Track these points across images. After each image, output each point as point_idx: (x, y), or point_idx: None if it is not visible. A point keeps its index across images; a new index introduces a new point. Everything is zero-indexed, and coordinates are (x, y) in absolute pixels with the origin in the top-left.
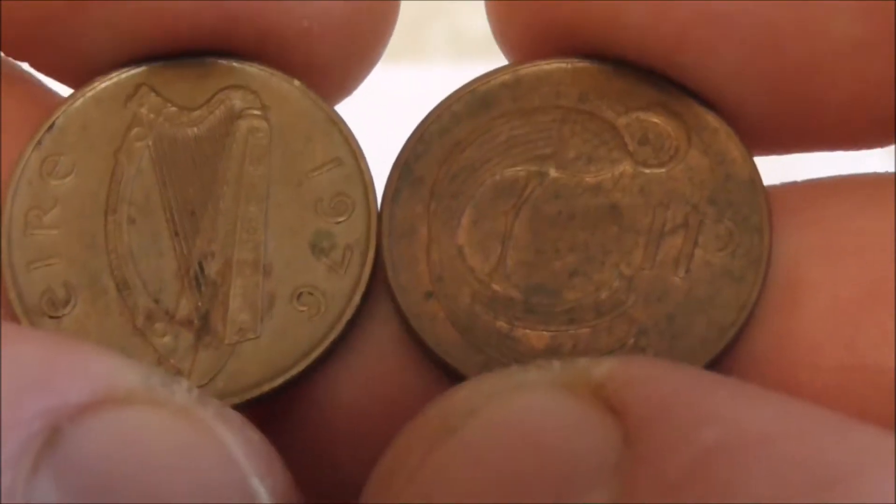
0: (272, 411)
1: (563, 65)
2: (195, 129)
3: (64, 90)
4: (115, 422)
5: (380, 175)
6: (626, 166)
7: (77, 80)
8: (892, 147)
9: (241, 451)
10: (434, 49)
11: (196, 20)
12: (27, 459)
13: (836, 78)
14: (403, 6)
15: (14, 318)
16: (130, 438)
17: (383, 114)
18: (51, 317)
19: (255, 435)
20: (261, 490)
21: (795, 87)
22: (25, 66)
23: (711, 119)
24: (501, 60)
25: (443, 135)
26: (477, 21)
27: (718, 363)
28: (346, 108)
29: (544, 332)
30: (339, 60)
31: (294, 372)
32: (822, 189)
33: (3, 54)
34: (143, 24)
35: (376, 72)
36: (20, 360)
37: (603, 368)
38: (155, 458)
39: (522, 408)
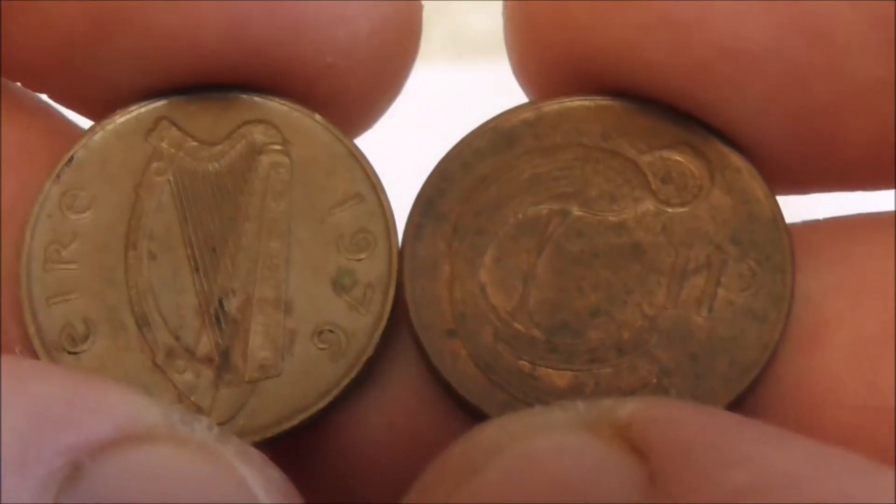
0: (293, 449)
1: (586, 102)
2: (216, 164)
3: (84, 122)
4: (136, 459)
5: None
6: (649, 205)
7: (97, 112)
8: None
9: (261, 488)
10: (434, 49)
11: (219, 54)
12: (48, 496)
13: (859, 118)
14: None
15: (33, 354)
16: (151, 476)
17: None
18: (70, 352)
19: (275, 473)
20: None
21: (818, 127)
22: (44, 97)
23: (735, 158)
24: (501, 61)
25: (466, 171)
26: (477, 21)
27: (741, 403)
28: None
29: (567, 372)
30: (361, 95)
31: (314, 410)
32: (845, 228)
33: (21, 85)
34: (164, 57)
35: None
36: (41, 397)
37: (627, 409)
38: (176, 496)
39: (547, 448)
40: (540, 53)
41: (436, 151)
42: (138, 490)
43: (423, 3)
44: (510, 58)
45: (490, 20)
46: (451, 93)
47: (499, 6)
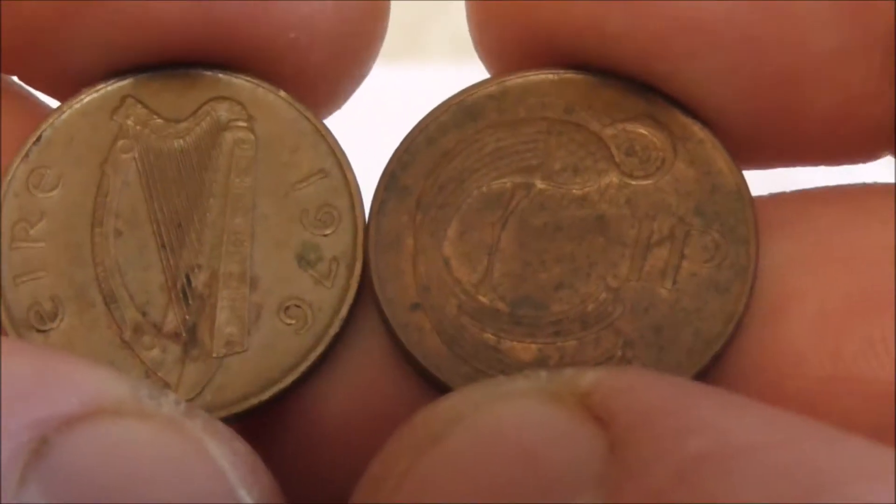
0: (260, 423)
1: (549, 76)
2: (181, 141)
3: (53, 103)
4: (103, 433)
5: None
6: (613, 177)
7: (65, 92)
8: (894, 157)
9: (228, 462)
10: (434, 49)
11: (183, 31)
12: (15, 470)
13: (816, 88)
14: (403, 6)
15: (1, 332)
16: (119, 450)
17: (383, 114)
18: (38, 330)
19: (242, 447)
20: (248, 501)
21: (777, 98)
22: (14, 79)
23: (698, 130)
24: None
25: (429, 145)
26: None
27: (705, 374)
28: (346, 110)
29: (531, 345)
30: (327, 71)
31: (281, 385)
32: (810, 200)
33: None
34: (129, 36)
35: (376, 72)
36: (9, 372)
37: (589, 378)
38: (143, 470)
39: (508, 416)
40: (499, 28)
41: None
42: (105, 463)
43: (422, 2)
44: (471, 34)
45: None
46: (451, 93)
47: (381, 36)
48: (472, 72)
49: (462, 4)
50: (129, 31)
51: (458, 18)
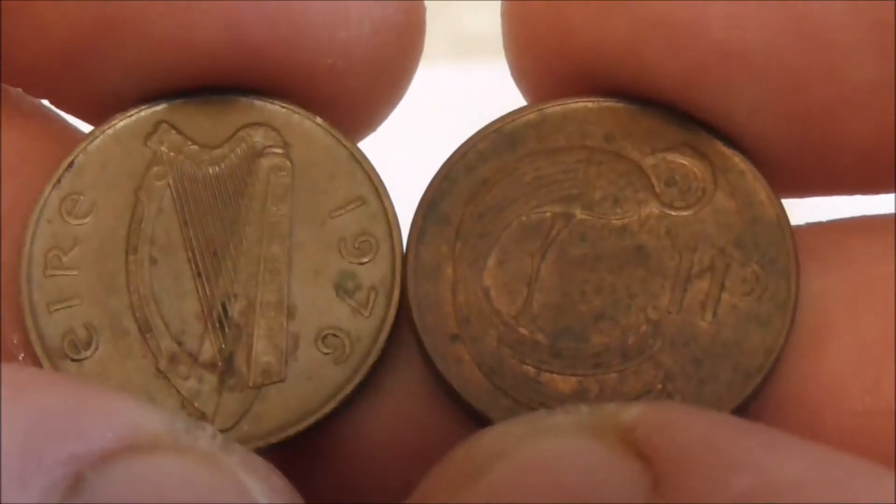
0: (297, 454)
1: (589, 104)
2: (217, 168)
3: (85, 127)
4: (138, 469)
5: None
6: (653, 208)
7: (97, 116)
8: None
9: (265, 498)
10: (435, 50)
11: (218, 57)
12: None
13: (856, 120)
14: None
15: (35, 361)
16: (154, 486)
17: None
18: (73, 359)
19: (279, 482)
20: None
21: (815, 129)
22: (45, 102)
23: (738, 160)
24: (502, 61)
25: (469, 173)
26: (478, 22)
27: (745, 408)
28: None
29: (571, 377)
30: (363, 97)
31: (319, 415)
32: (849, 230)
33: (21, 91)
34: (163, 60)
35: None
36: (42, 407)
37: (631, 413)
38: None
39: (550, 451)
40: (537, 55)
41: (436, 152)
42: (141, 500)
43: (425, 2)
44: (508, 60)
45: (490, 20)
46: (451, 93)
47: (500, 6)
48: (473, 72)
49: (463, 5)
50: (162, 56)
51: (458, 18)
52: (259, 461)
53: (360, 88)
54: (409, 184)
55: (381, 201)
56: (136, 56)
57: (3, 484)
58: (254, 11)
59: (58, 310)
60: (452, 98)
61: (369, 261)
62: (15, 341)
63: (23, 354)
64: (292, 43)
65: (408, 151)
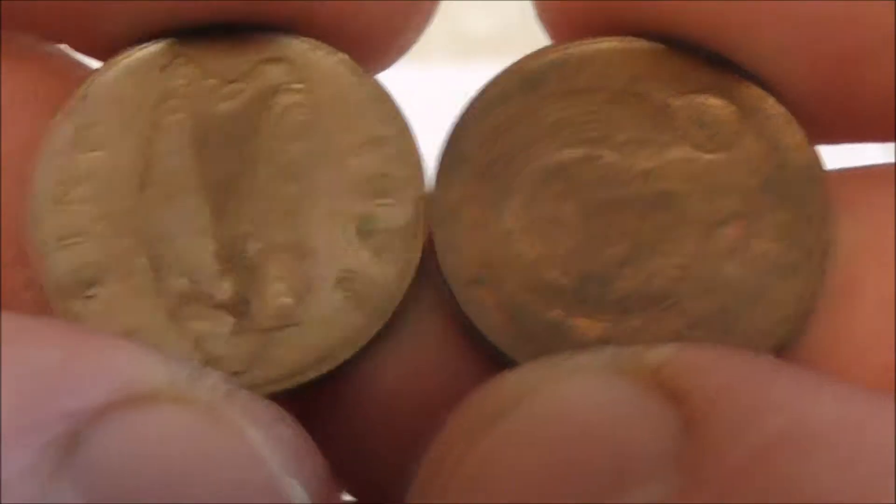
0: (313, 399)
1: (614, 44)
2: (233, 103)
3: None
4: (136, 424)
5: None
6: (680, 151)
7: (109, 54)
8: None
9: (269, 449)
10: (435, 49)
11: None
12: (46, 466)
13: (881, 67)
14: None
15: (41, 298)
16: (152, 441)
17: None
18: (80, 297)
19: (286, 431)
20: (293, 487)
21: (846, 74)
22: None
23: (769, 103)
24: (502, 61)
25: (491, 113)
26: (479, 21)
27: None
28: None
29: (597, 322)
30: (390, 29)
31: (336, 360)
32: (875, 178)
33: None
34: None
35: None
36: (37, 360)
37: (660, 354)
38: (178, 462)
39: (575, 393)
40: None
41: (436, 152)
42: (139, 456)
43: None
44: (533, 2)
45: (490, 20)
46: (451, 93)
47: (500, 6)
48: (473, 72)
49: (463, 5)
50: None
51: (459, 18)
52: (264, 409)
53: (384, 20)
54: None
55: (405, 141)
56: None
57: None
58: None
59: (66, 245)
60: (452, 98)
61: (391, 203)
62: (21, 281)
63: (30, 295)
64: None
65: None
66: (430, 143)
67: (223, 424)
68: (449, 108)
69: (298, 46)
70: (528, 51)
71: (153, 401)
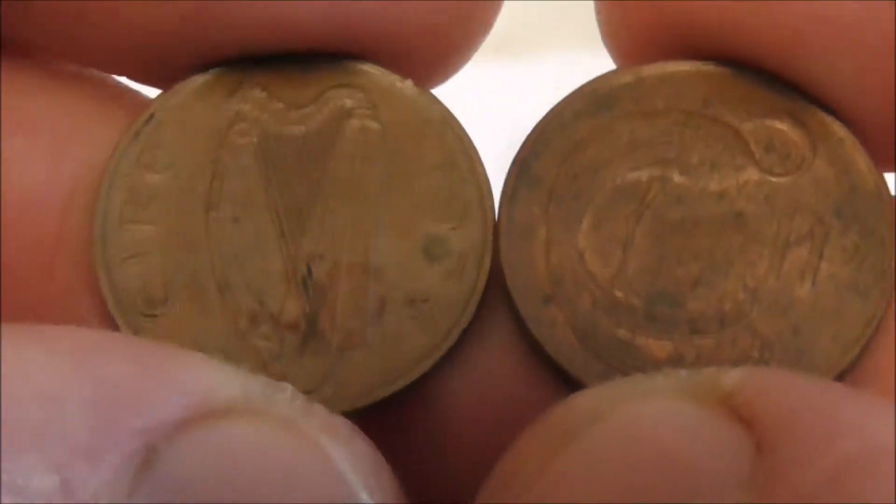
0: (383, 419)
1: (686, 67)
2: (302, 127)
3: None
4: (213, 438)
5: None
6: (751, 174)
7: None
8: None
9: (348, 464)
10: None
11: (317, 31)
12: (123, 483)
13: None
14: None
15: (107, 316)
16: (230, 456)
17: None
18: (147, 315)
19: (363, 446)
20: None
21: None
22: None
23: (837, 128)
24: (504, 61)
25: (562, 133)
26: None
27: (841, 378)
28: None
29: (667, 342)
30: (454, 49)
31: (406, 380)
32: None
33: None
34: (257, 41)
35: None
36: (111, 375)
37: (732, 377)
38: (257, 476)
39: (648, 415)
40: (629, 20)
41: None
42: (217, 471)
43: None
44: (598, 23)
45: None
46: (451, 93)
47: (501, 6)
48: (476, 73)
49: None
50: (256, 38)
51: None
52: (341, 424)
53: (455, 40)
54: None
55: (472, 164)
56: (226, 35)
57: (74, 462)
58: None
59: (133, 264)
60: (452, 98)
61: (459, 225)
62: (87, 305)
63: (97, 321)
64: (395, 9)
65: None
66: None
67: (302, 438)
68: (449, 108)
69: (367, 72)
70: (529, 51)
71: (229, 415)
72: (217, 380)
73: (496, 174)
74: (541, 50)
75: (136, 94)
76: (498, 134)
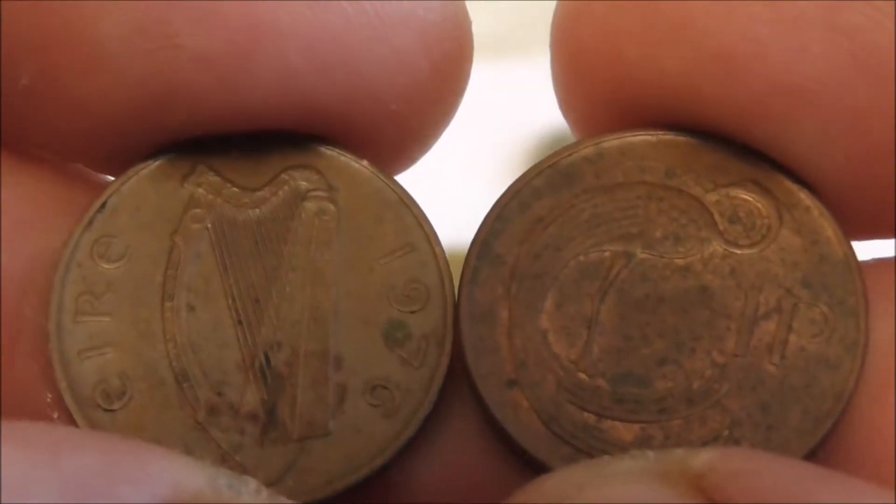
0: None
1: (648, 137)
2: (258, 211)
3: None
4: None
5: None
6: (717, 246)
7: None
8: None
9: None
10: None
11: (272, 111)
12: None
13: None
14: None
15: (65, 411)
16: None
17: None
18: (105, 409)
19: None
20: None
21: (879, 169)
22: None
23: (804, 196)
24: (503, 61)
25: (523, 211)
26: (478, 21)
27: (814, 454)
28: None
29: (634, 424)
30: (417, 134)
31: (368, 470)
32: None
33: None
34: (212, 122)
35: None
36: (79, 470)
37: (702, 459)
38: None
39: (619, 497)
40: (588, 89)
41: (436, 150)
42: None
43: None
44: (556, 92)
45: (490, 21)
46: (451, 121)
47: (501, 6)
48: (476, 73)
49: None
50: (210, 119)
51: None
52: None
53: (416, 127)
54: (404, 179)
55: (432, 247)
56: (183, 123)
57: None
58: (312, 68)
59: (89, 357)
60: None
61: (420, 309)
62: (48, 399)
63: (57, 414)
64: (353, 95)
65: None
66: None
67: None
68: None
69: (323, 152)
70: (527, 52)
71: None
72: (184, 473)
73: (496, 175)
74: (540, 50)
75: (97, 176)
76: (498, 134)
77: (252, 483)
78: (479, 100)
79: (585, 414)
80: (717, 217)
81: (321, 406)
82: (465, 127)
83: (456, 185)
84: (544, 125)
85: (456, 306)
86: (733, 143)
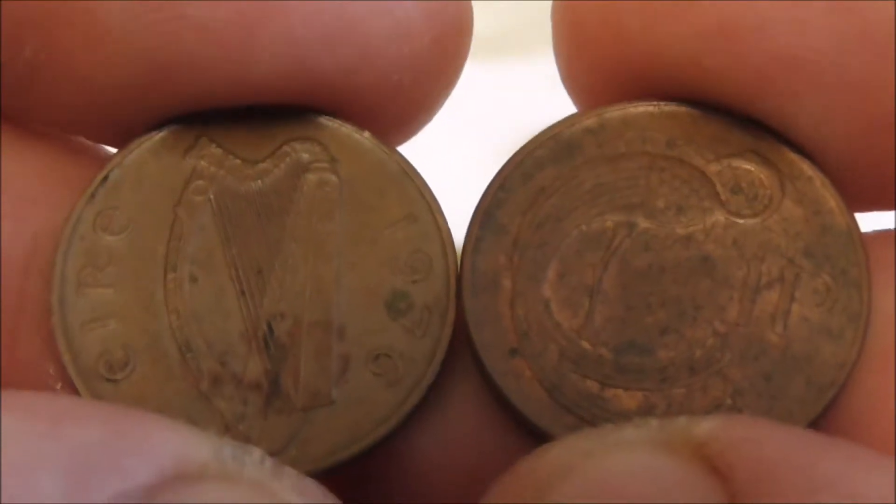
0: (350, 477)
1: (650, 108)
2: (260, 183)
3: None
4: (186, 501)
5: None
6: (719, 216)
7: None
8: None
9: None
10: None
11: (277, 85)
12: None
13: None
14: None
15: (69, 382)
16: None
17: None
18: (108, 380)
19: None
20: None
21: (881, 140)
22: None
23: (806, 167)
24: (503, 62)
25: (526, 181)
26: (478, 21)
27: (816, 423)
28: None
29: (637, 392)
30: (419, 106)
31: (371, 439)
32: None
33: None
34: (217, 96)
35: None
36: (82, 441)
37: (704, 427)
38: None
39: (620, 467)
40: (589, 60)
41: (436, 150)
42: None
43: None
44: (558, 64)
45: (490, 20)
46: (451, 93)
47: (501, 6)
48: (474, 72)
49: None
50: (215, 93)
51: None
52: (311, 485)
53: (418, 98)
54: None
55: (434, 218)
56: (186, 95)
57: None
58: (316, 39)
59: (93, 329)
60: (453, 98)
61: (422, 279)
62: (51, 371)
63: (60, 384)
64: (356, 66)
65: (406, 150)
66: (429, 143)
67: (273, 501)
68: (448, 107)
69: (324, 124)
70: (527, 52)
71: (202, 479)
72: (188, 444)
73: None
74: (540, 50)
75: (100, 149)
76: (497, 134)
77: (256, 453)
78: (479, 100)
79: (588, 382)
80: (719, 187)
81: (324, 376)
82: (465, 127)
83: (456, 184)
84: (544, 125)
85: (458, 276)
86: (735, 115)
